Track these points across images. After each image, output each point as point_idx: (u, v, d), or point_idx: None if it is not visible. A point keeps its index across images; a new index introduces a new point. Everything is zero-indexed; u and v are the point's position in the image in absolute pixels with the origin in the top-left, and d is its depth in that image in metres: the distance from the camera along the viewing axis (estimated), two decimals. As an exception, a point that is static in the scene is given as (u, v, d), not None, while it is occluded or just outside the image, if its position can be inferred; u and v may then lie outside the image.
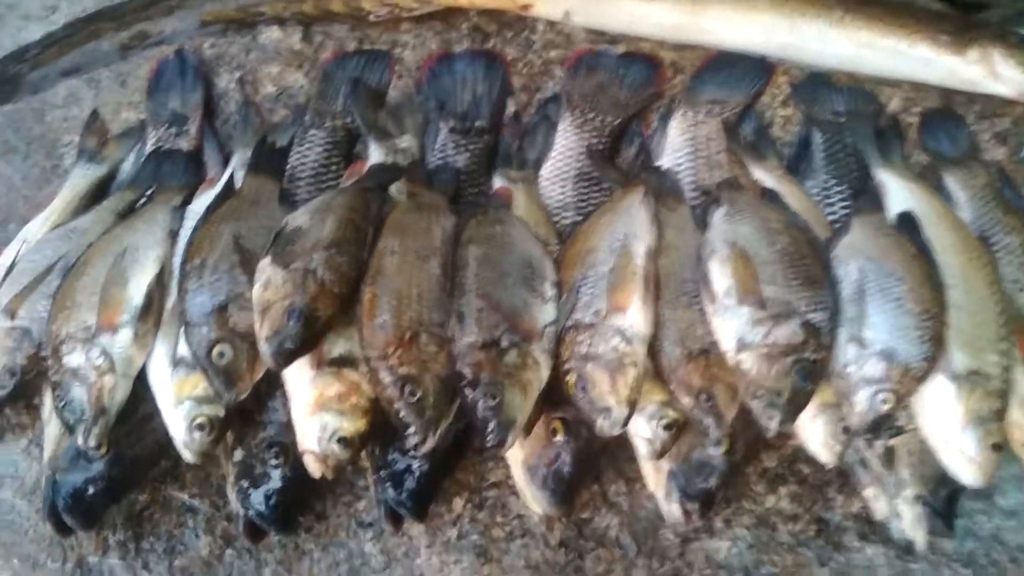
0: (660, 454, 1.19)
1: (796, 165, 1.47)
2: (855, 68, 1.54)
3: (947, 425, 1.16)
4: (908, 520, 1.22)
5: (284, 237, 1.22)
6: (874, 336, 1.16)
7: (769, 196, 1.34)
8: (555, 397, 1.22)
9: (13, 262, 1.35)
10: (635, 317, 1.17)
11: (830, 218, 1.36)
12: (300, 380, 1.20)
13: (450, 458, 1.29)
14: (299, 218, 1.26)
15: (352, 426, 1.17)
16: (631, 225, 1.26)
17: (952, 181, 1.43)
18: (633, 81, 1.55)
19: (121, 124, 1.55)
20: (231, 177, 1.37)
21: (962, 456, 1.15)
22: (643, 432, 1.19)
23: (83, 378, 1.19)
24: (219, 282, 1.20)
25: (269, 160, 1.41)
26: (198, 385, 1.20)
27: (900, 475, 1.23)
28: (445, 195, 1.37)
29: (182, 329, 1.20)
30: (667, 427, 1.18)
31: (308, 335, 1.14)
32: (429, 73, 1.55)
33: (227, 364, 1.16)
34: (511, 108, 1.54)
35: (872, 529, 1.29)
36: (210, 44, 1.57)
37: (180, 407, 1.20)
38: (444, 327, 1.17)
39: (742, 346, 1.14)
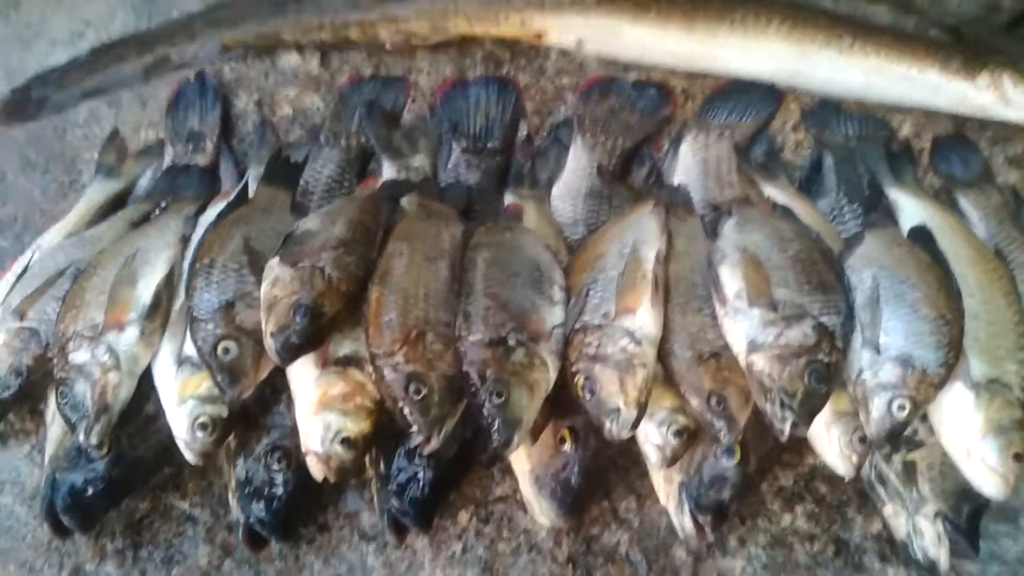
0: (670, 462, 1.16)
1: (807, 187, 1.48)
2: (865, 95, 1.55)
3: (967, 434, 1.13)
4: (929, 538, 1.18)
5: (294, 239, 1.22)
6: (889, 342, 1.14)
7: (781, 211, 1.34)
8: (563, 405, 1.20)
9: (25, 267, 1.36)
10: (644, 318, 1.15)
11: (843, 236, 1.35)
12: (305, 380, 1.19)
13: (456, 469, 1.26)
14: (309, 221, 1.26)
15: (356, 427, 1.15)
16: (640, 232, 1.26)
17: (966, 202, 1.43)
18: (644, 107, 1.57)
19: (140, 143, 1.58)
20: (245, 185, 1.38)
21: (983, 466, 1.12)
22: (653, 439, 1.16)
23: (88, 374, 1.18)
24: (227, 280, 1.20)
25: (283, 172, 1.42)
26: (202, 384, 1.19)
27: (920, 491, 1.19)
28: (456, 209, 1.38)
29: (188, 328, 1.19)
30: (677, 433, 1.15)
31: (314, 331, 1.13)
32: (443, 97, 1.58)
33: (231, 361, 1.15)
34: (523, 131, 1.56)
35: (893, 550, 1.25)
36: (230, 68, 1.61)
37: (183, 406, 1.18)
38: (451, 327, 1.16)
39: (753, 348, 1.12)
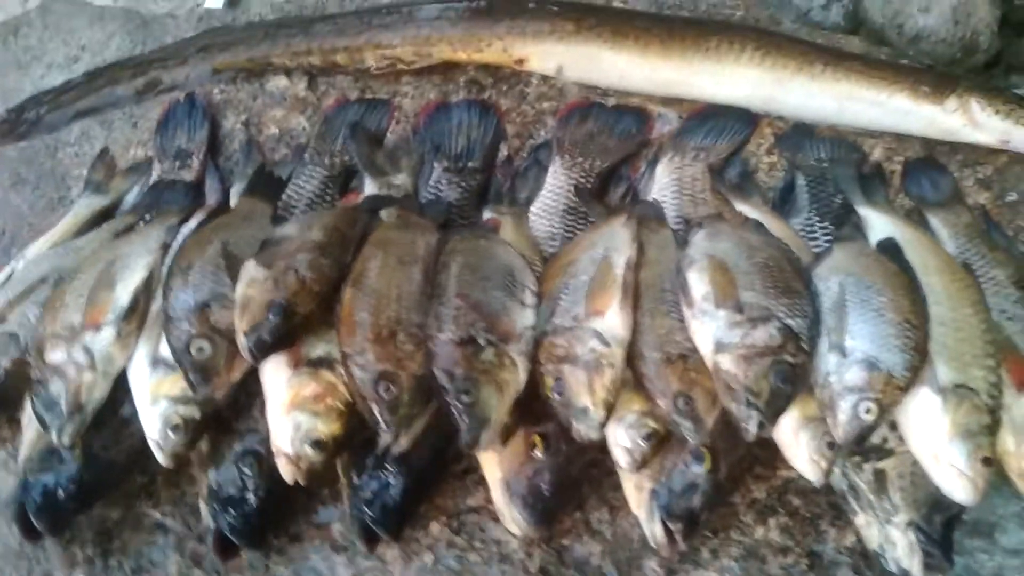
0: (639, 465, 1.16)
1: (781, 207, 1.49)
2: (838, 120, 1.58)
3: (935, 439, 1.13)
4: (901, 548, 1.17)
5: (271, 242, 1.25)
6: (855, 345, 1.15)
7: (752, 224, 1.36)
8: (535, 412, 1.21)
9: (9, 276, 1.38)
10: (613, 320, 1.16)
11: (815, 252, 1.37)
12: (277, 381, 1.19)
13: (428, 478, 1.27)
14: (287, 227, 1.29)
15: (327, 428, 1.16)
16: (612, 241, 1.28)
17: (935, 221, 1.45)
18: (622, 130, 1.61)
19: (130, 161, 1.61)
20: (227, 197, 1.41)
21: (952, 470, 1.11)
22: (622, 442, 1.16)
23: (63, 374, 1.19)
24: (203, 282, 1.22)
25: (266, 185, 1.45)
26: (175, 385, 1.20)
27: (892, 500, 1.19)
28: (435, 223, 1.40)
29: (163, 328, 1.21)
30: (647, 437, 1.15)
31: (286, 329, 1.15)
32: (426, 119, 1.62)
33: (204, 359, 1.16)
34: (504, 152, 1.59)
35: (867, 563, 1.23)
36: (220, 90, 1.65)
37: (156, 406, 1.19)
38: (423, 329, 1.17)
39: (719, 348, 1.13)
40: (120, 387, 1.24)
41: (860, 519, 1.21)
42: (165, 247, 1.34)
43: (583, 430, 1.12)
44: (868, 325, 1.16)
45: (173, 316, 1.19)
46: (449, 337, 1.14)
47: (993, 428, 1.14)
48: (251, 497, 1.22)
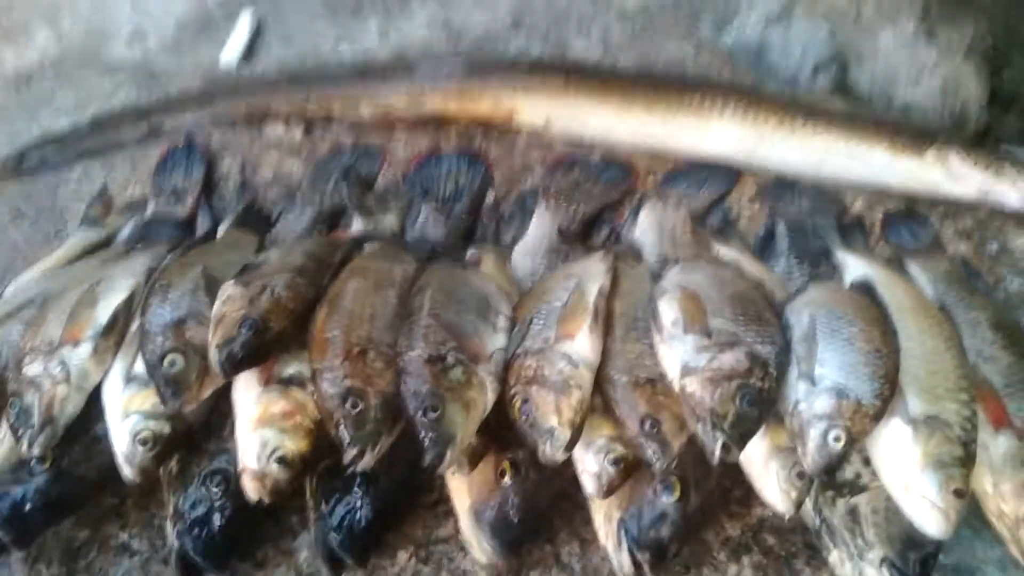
0: (607, 492, 1.15)
1: (761, 253, 1.51)
2: (818, 173, 1.61)
3: (905, 470, 1.11)
4: (876, 585, 1.14)
5: (251, 266, 1.27)
6: (824, 373, 1.15)
7: (730, 264, 1.38)
8: (505, 439, 1.20)
9: (-2, 299, 1.41)
10: (582, 343, 1.17)
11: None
12: (247, 398, 1.20)
13: (396, 505, 1.26)
14: (269, 253, 1.32)
15: (294, 445, 1.16)
16: (587, 271, 1.30)
17: (915, 267, 1.46)
18: (608, 179, 1.65)
19: (127, 199, 1.66)
20: (216, 228, 1.44)
21: (923, 502, 1.10)
22: (590, 467, 1.15)
23: (38, 386, 1.20)
24: (181, 300, 1.24)
25: (254, 219, 1.49)
26: (147, 400, 1.20)
27: (865, 536, 1.16)
28: (418, 260, 1.43)
29: (139, 342, 1.22)
30: (615, 462, 1.14)
31: (258, 344, 1.15)
32: (417, 165, 1.66)
33: (176, 372, 1.17)
34: (491, 197, 1.63)
35: (842, 604, 1.20)
36: (219, 134, 1.71)
37: (126, 420, 1.19)
38: (394, 349, 1.18)
39: (686, 371, 1.13)
40: (95, 405, 1.24)
41: (834, 556, 1.19)
42: (150, 272, 1.36)
43: (548, 451, 1.11)
44: (837, 354, 1.16)
45: (149, 331, 1.21)
46: (418, 354, 1.15)
47: (966, 461, 1.12)
48: (216, 517, 1.20)
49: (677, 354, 1.15)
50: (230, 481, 1.21)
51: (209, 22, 2.54)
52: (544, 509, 1.25)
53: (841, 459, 1.11)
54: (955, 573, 1.23)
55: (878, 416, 1.13)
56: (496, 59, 1.77)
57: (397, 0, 2.65)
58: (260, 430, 1.16)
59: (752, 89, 1.70)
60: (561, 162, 1.67)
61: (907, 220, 1.55)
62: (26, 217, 1.65)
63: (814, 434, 1.11)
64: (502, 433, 1.20)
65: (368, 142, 1.71)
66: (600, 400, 1.18)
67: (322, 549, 1.21)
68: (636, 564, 1.16)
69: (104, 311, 1.28)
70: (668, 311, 1.19)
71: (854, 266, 1.40)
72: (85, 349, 1.23)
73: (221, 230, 1.48)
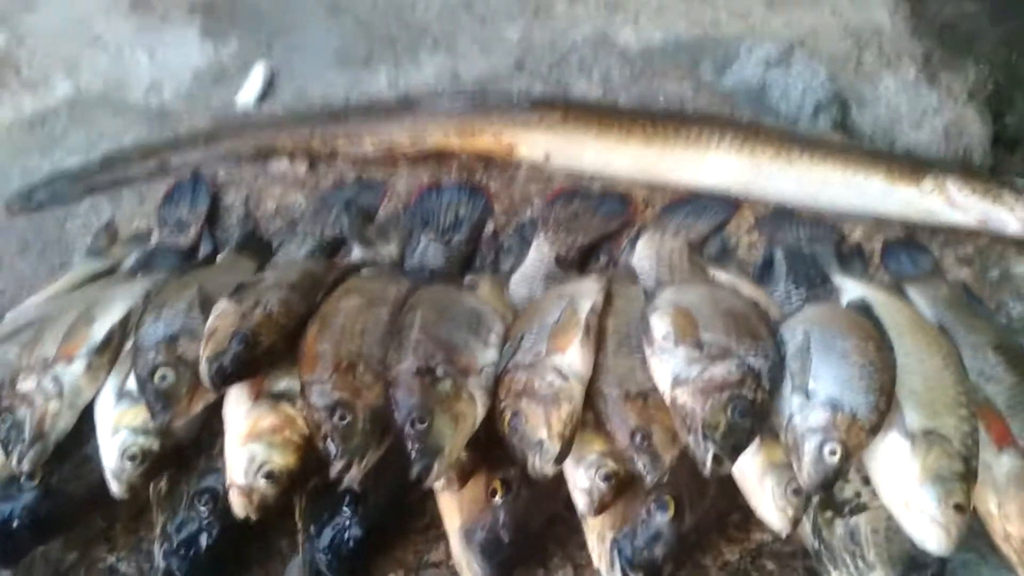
0: (598, 508, 1.12)
1: (759, 281, 1.50)
2: (816, 203, 1.61)
3: (904, 484, 1.09)
4: (878, 609, 1.10)
5: (246, 284, 1.28)
6: (818, 387, 1.13)
7: (726, 285, 1.37)
8: (497, 458, 1.19)
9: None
10: (573, 356, 1.16)
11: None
12: (236, 413, 1.20)
13: (386, 527, 1.24)
14: (265, 273, 1.33)
15: (282, 460, 1.15)
16: (580, 290, 1.30)
17: (914, 292, 1.45)
18: (606, 211, 1.65)
19: (132, 231, 1.68)
20: (215, 252, 1.46)
21: (923, 517, 1.07)
22: (581, 483, 1.13)
23: (30, 402, 1.20)
24: (176, 317, 1.25)
25: (254, 245, 1.51)
26: (138, 416, 1.20)
27: (866, 557, 1.13)
28: (413, 283, 1.43)
29: (132, 357, 1.23)
30: (606, 478, 1.13)
31: (248, 358, 1.16)
32: (418, 197, 1.68)
33: (167, 387, 1.17)
34: (490, 228, 1.64)
35: (845, 631, 1.16)
36: (225, 170, 1.74)
37: (116, 435, 1.19)
38: (384, 364, 1.18)
39: (677, 382, 1.11)
40: (87, 424, 1.25)
41: (833, 577, 1.15)
42: (148, 295, 1.37)
43: (538, 464, 1.09)
44: (832, 368, 1.15)
45: (142, 346, 1.22)
46: (407, 366, 1.14)
47: (967, 476, 1.09)
48: (204, 537, 1.19)
49: (668, 367, 1.14)
50: (218, 500, 1.20)
51: (224, 74, 2.61)
52: (537, 531, 1.23)
53: (837, 473, 1.08)
54: (963, 601, 1.19)
55: (874, 429, 1.10)
56: (497, 95, 1.81)
57: (407, 50, 2.72)
58: (248, 445, 1.16)
59: (749, 122, 1.71)
60: (561, 194, 1.69)
61: (907, 248, 1.54)
62: (33, 249, 1.68)
63: (809, 448, 1.09)
64: (493, 451, 1.19)
65: (370, 177, 1.74)
66: (592, 416, 1.17)
67: (310, 571, 1.19)
68: (629, 585, 1.13)
69: (100, 329, 1.29)
70: (659, 325, 1.19)
71: (852, 289, 1.39)
72: (79, 366, 1.24)
73: (221, 256, 1.49)
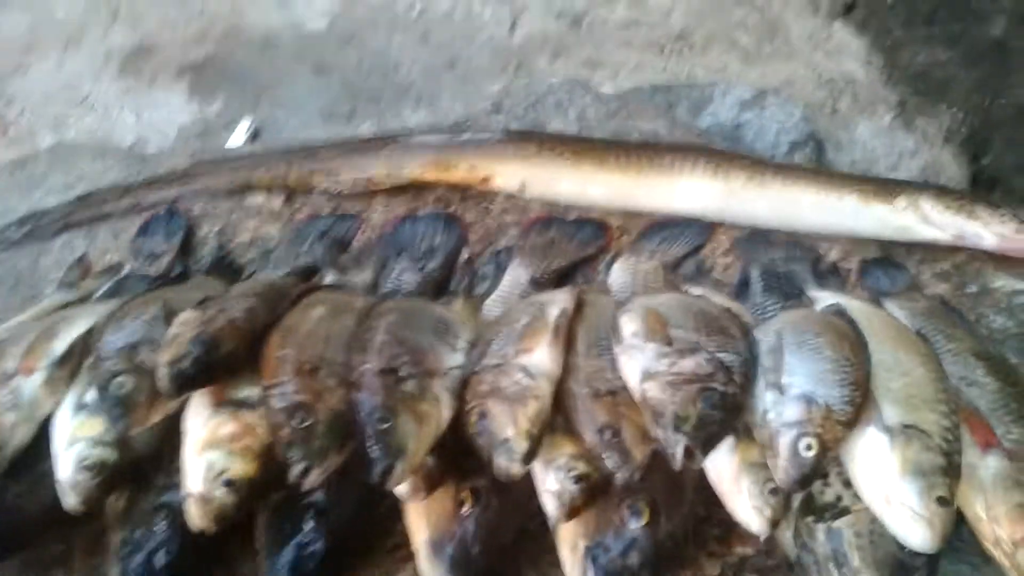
0: (569, 513, 1.08)
1: (735, 299, 1.49)
2: (791, 225, 1.61)
3: (884, 478, 1.05)
4: (864, 616, 1.05)
5: (212, 298, 1.26)
6: (792, 381, 1.11)
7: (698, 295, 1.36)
8: (466, 468, 1.15)
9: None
10: (541, 356, 1.14)
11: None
12: (196, 421, 1.16)
13: (351, 545, 1.19)
14: (231, 289, 1.31)
15: (241, 468, 1.11)
16: (551, 298, 1.28)
17: (892, 306, 1.43)
18: (583, 237, 1.65)
19: (105, 264, 1.67)
20: (185, 272, 1.45)
21: (905, 511, 1.03)
22: (550, 486, 1.09)
23: (-14, 414, 1.17)
24: (137, 328, 1.23)
25: (225, 268, 1.49)
26: (95, 427, 1.17)
27: (850, 563, 1.08)
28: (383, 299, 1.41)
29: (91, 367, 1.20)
30: (577, 480, 1.09)
31: (207, 362, 1.13)
32: (393, 227, 1.68)
33: (125, 394, 1.14)
34: (465, 255, 1.63)
35: (831, 645, 1.10)
36: (200, 205, 1.74)
37: (72, 447, 1.15)
38: (347, 368, 1.15)
39: (647, 376, 1.09)
40: (45, 442, 1.21)
41: (817, 585, 1.10)
42: (113, 313, 1.35)
43: (504, 463, 1.05)
44: (805, 363, 1.13)
45: (102, 354, 1.19)
46: (371, 367, 1.12)
47: (949, 471, 1.06)
48: (161, 555, 1.14)
49: (637, 363, 1.11)
50: (177, 516, 1.15)
51: (209, 130, 2.66)
52: (507, 544, 1.18)
53: (814, 469, 1.05)
54: (954, 611, 1.13)
55: (850, 423, 1.07)
56: (472, 127, 1.83)
57: (390, 107, 2.78)
58: (207, 452, 1.12)
59: (722, 150, 1.72)
60: (537, 221, 1.68)
61: (883, 266, 1.53)
62: (4, 283, 1.66)
63: (784, 443, 1.06)
64: (462, 462, 1.15)
65: (346, 210, 1.74)
66: (562, 420, 1.14)
67: (270, 588, 1.14)
68: (603, 596, 1.08)
69: (61, 344, 1.26)
70: (628, 324, 1.17)
71: (827, 300, 1.38)
72: (38, 378, 1.22)
73: (191, 281, 1.48)
